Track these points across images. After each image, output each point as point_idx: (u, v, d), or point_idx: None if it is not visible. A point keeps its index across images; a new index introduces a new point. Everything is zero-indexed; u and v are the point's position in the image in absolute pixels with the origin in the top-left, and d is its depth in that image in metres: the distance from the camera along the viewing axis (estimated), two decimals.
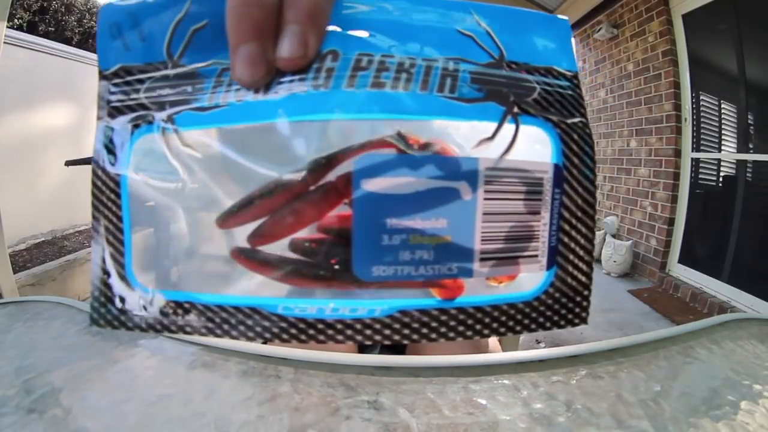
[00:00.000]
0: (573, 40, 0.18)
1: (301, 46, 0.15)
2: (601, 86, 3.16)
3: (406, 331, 0.16)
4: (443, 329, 0.16)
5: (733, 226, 2.15)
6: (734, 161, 2.21)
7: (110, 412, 0.21)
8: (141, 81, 0.16)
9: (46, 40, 3.12)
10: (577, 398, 0.22)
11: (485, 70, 0.16)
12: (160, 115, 0.16)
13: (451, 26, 0.16)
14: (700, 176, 2.43)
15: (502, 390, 0.22)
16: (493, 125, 0.16)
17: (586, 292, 0.17)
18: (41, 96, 2.91)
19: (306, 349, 0.25)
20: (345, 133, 0.15)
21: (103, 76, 0.17)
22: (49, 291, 2.16)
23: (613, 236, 2.87)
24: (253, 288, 0.16)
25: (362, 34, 0.16)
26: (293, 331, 0.16)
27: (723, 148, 2.27)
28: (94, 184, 0.16)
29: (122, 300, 0.17)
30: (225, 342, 0.26)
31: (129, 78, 0.16)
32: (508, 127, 0.16)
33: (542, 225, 0.16)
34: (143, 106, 0.16)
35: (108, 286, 0.17)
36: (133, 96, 0.16)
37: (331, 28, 0.16)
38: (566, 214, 0.17)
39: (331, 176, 0.15)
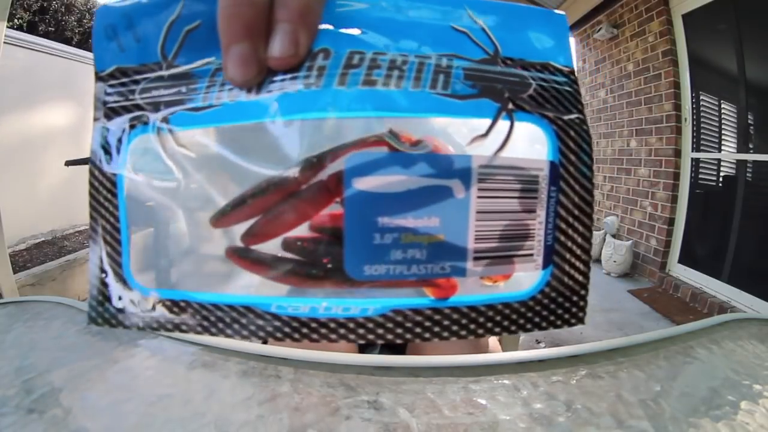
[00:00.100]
0: (570, 35, 0.18)
1: (292, 45, 0.15)
2: (601, 86, 3.16)
3: (400, 331, 0.16)
4: (437, 329, 0.16)
5: (733, 226, 2.15)
6: (734, 161, 2.21)
7: (110, 412, 0.21)
8: (136, 82, 0.16)
9: (46, 40, 3.13)
10: (577, 398, 0.22)
11: (479, 66, 0.16)
12: (155, 116, 0.16)
13: (445, 23, 0.16)
14: (700, 176, 2.43)
15: (502, 390, 0.22)
16: (487, 122, 0.15)
17: (583, 292, 0.17)
18: (41, 96, 2.91)
19: (306, 349, 0.25)
20: (336, 131, 0.15)
21: (99, 78, 0.17)
22: (49, 291, 2.16)
23: (613, 236, 2.88)
24: (247, 287, 0.16)
25: (354, 31, 0.16)
26: (287, 329, 0.16)
27: (723, 148, 2.27)
28: (91, 184, 0.17)
29: (119, 298, 0.17)
30: (225, 342, 0.26)
31: (124, 79, 0.17)
32: (503, 124, 0.16)
33: (538, 223, 0.16)
34: (139, 107, 0.16)
35: (105, 285, 0.17)
36: (129, 97, 0.16)
37: (323, 26, 0.15)
38: (563, 213, 0.16)
39: (323, 175, 0.15)
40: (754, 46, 2.03)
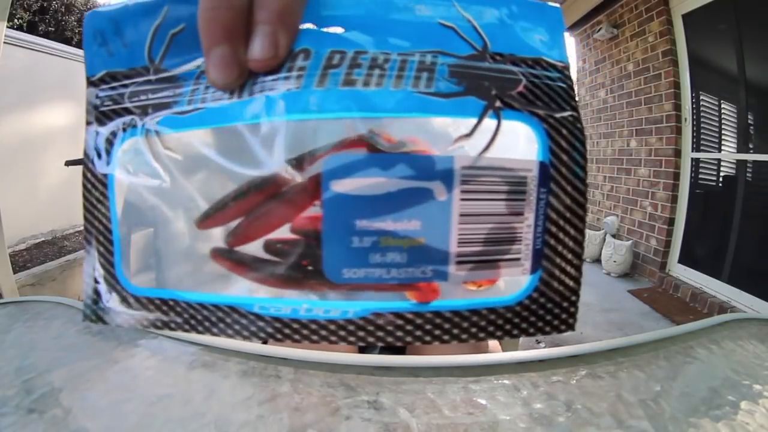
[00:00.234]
0: (564, 29, 0.18)
1: (271, 46, 0.15)
2: (601, 86, 3.16)
3: (380, 333, 0.16)
4: (418, 332, 0.16)
5: (733, 226, 2.15)
6: (734, 161, 2.21)
7: (110, 412, 0.21)
8: (125, 86, 0.17)
9: (46, 40, 3.13)
10: (577, 398, 0.22)
11: (466, 62, 0.15)
12: (143, 119, 0.16)
13: (431, 18, 0.15)
14: (700, 176, 2.42)
15: (502, 390, 0.22)
16: (473, 121, 0.15)
17: (573, 298, 0.16)
18: (41, 96, 2.92)
19: (306, 350, 0.25)
20: (316, 133, 0.15)
21: (90, 83, 0.17)
22: (49, 291, 2.16)
23: (613, 236, 2.87)
24: (231, 287, 0.16)
25: (337, 30, 0.15)
26: (269, 330, 0.16)
27: (723, 148, 2.27)
28: (84, 186, 0.17)
29: (110, 296, 0.17)
30: (225, 342, 0.26)
31: (114, 83, 0.17)
32: (489, 123, 0.15)
33: (526, 227, 0.16)
34: (128, 111, 0.17)
35: (97, 283, 0.17)
36: (119, 101, 0.17)
37: (305, 25, 0.15)
38: (553, 215, 0.16)
39: (302, 177, 0.15)
40: (754, 46, 2.03)
